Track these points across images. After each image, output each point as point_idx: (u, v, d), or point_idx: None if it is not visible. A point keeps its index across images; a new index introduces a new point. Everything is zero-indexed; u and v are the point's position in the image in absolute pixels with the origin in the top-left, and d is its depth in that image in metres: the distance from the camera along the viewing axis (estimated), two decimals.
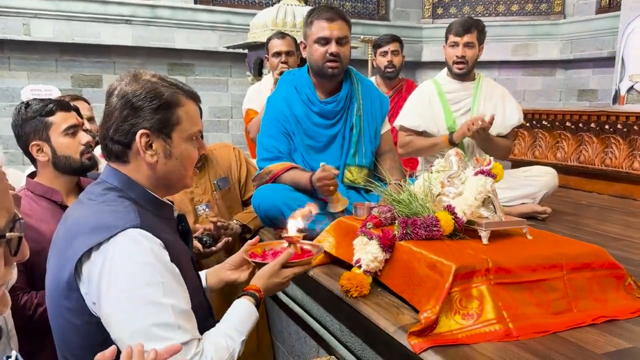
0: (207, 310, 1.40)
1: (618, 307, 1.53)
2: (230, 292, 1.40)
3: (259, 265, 1.46)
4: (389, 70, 3.70)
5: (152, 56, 6.34)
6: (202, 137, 2.31)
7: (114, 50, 6.25)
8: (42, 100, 1.93)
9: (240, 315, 1.33)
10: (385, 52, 3.71)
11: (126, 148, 1.24)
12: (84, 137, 1.93)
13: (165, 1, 6.43)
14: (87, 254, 1.13)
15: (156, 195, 1.29)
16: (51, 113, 1.88)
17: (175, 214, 1.39)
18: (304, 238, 1.58)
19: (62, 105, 1.93)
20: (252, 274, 1.52)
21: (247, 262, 1.55)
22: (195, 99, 1.32)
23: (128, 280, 1.11)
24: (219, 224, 2.26)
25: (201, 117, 2.45)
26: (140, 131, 1.21)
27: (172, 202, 1.39)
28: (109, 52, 6.26)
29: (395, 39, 3.79)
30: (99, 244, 1.13)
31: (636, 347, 1.32)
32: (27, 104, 1.89)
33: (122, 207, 1.20)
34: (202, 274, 1.58)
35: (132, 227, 1.14)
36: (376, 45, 3.79)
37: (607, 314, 1.48)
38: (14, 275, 0.89)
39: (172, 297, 1.14)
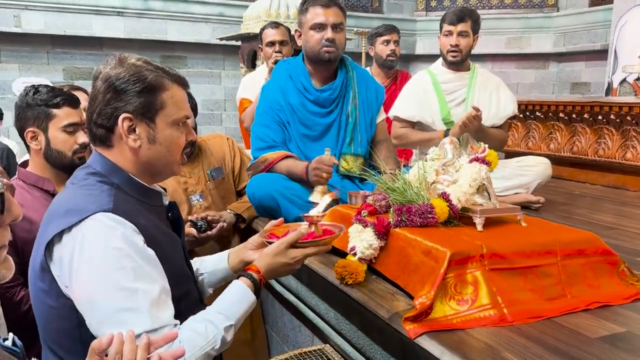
0: (196, 299, 1.36)
1: (611, 292, 1.53)
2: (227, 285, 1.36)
3: None
4: (390, 58, 3.69)
5: (145, 48, 6.31)
6: (195, 127, 2.33)
7: (106, 42, 6.22)
8: (53, 89, 1.89)
9: (230, 298, 1.24)
10: (388, 41, 3.70)
11: (109, 132, 1.22)
12: (81, 137, 1.89)
13: None
14: (59, 236, 1.12)
15: (141, 181, 1.27)
16: (57, 106, 1.86)
17: (166, 201, 1.36)
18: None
19: (71, 100, 1.90)
20: None
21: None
22: (182, 83, 1.29)
23: (98, 264, 1.09)
24: (209, 218, 2.26)
25: (196, 110, 2.47)
26: (123, 115, 1.20)
27: (164, 189, 1.38)
28: (101, 45, 6.23)
29: (396, 29, 3.79)
30: (70, 227, 1.11)
31: (629, 331, 1.33)
32: (37, 90, 1.86)
33: (99, 191, 1.19)
34: (224, 254, 1.52)
35: (103, 211, 1.13)
36: (377, 34, 3.77)
37: (600, 299, 1.49)
38: (8, 236, 0.88)
39: (143, 282, 1.11)
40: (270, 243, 1.35)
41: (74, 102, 1.91)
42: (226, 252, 1.53)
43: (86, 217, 1.12)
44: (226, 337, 1.17)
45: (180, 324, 1.16)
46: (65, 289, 1.13)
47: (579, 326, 1.35)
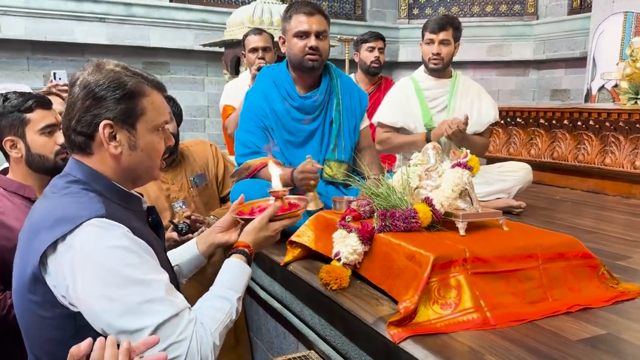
0: None
1: (592, 295, 1.56)
2: (208, 284, 1.37)
3: (248, 222, 1.47)
4: (374, 65, 3.73)
5: (127, 55, 6.26)
6: (177, 134, 2.32)
7: (87, 48, 6.16)
8: (22, 94, 1.87)
9: (233, 274, 1.34)
10: (372, 48, 3.74)
11: (89, 139, 1.21)
12: (60, 138, 1.87)
13: None
14: (53, 246, 1.11)
15: (122, 187, 1.27)
16: (30, 109, 1.83)
17: (145, 206, 1.37)
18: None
19: (43, 102, 1.88)
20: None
21: (235, 223, 1.55)
22: (161, 88, 1.29)
23: (104, 266, 1.09)
24: (193, 217, 2.23)
25: (181, 117, 2.46)
26: (104, 122, 1.19)
27: (141, 194, 1.37)
28: (83, 51, 6.17)
29: (381, 37, 3.83)
30: (64, 236, 1.10)
31: (610, 333, 1.35)
32: (6, 97, 1.84)
33: (87, 198, 1.18)
34: (192, 242, 1.57)
35: (97, 216, 1.12)
36: (362, 41, 3.81)
37: (581, 302, 1.51)
38: None
39: (153, 273, 1.14)
40: (244, 219, 1.50)
41: (46, 104, 1.89)
42: (193, 240, 1.58)
43: (80, 224, 1.10)
44: (239, 308, 1.30)
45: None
46: (63, 299, 1.12)
47: (560, 329, 1.37)
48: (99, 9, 6.11)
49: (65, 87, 2.68)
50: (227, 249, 1.49)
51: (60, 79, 2.80)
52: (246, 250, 1.41)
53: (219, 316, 1.23)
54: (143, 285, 1.11)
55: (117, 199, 1.25)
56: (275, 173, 1.54)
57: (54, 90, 2.65)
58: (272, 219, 1.46)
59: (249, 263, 1.39)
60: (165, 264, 1.34)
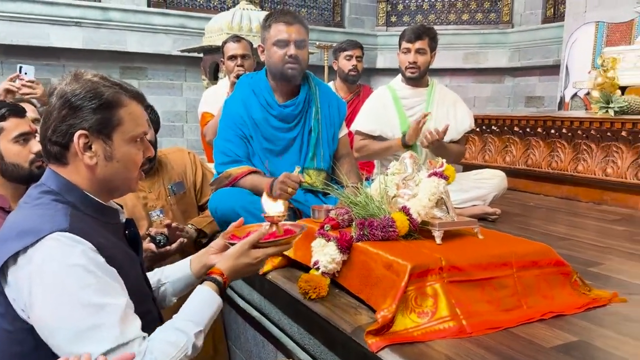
0: (155, 318, 1.35)
1: (565, 302, 1.59)
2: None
3: None
4: (352, 74, 3.76)
5: (104, 59, 6.20)
6: (155, 142, 2.30)
7: (63, 53, 6.08)
8: None
9: (197, 304, 1.26)
10: (350, 56, 3.76)
11: (64, 149, 1.20)
12: (35, 146, 1.84)
13: (116, 3, 6.30)
14: (13, 258, 1.09)
15: (97, 199, 1.25)
16: (3, 118, 1.81)
17: (123, 218, 1.34)
18: None
19: (16, 110, 1.85)
20: None
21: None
22: (139, 99, 1.28)
23: (60, 284, 1.07)
24: (173, 225, 2.22)
25: (158, 125, 2.44)
26: (79, 132, 1.18)
27: (121, 206, 1.36)
28: (58, 55, 6.08)
29: (359, 45, 3.86)
30: (26, 249, 1.09)
31: (582, 340, 1.38)
32: None
33: (53, 211, 1.16)
34: (186, 261, 1.52)
35: (60, 230, 1.10)
36: (340, 49, 3.84)
37: (555, 309, 1.54)
38: None
39: (109, 297, 1.10)
40: (232, 244, 1.38)
41: (19, 112, 1.86)
42: (188, 259, 1.53)
43: (42, 238, 1.09)
44: (197, 343, 1.19)
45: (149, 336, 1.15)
46: (22, 312, 1.10)
47: (534, 336, 1.39)
48: (74, 13, 6.03)
49: (30, 84, 2.55)
50: None
51: (26, 73, 2.59)
52: (219, 278, 1.31)
53: (171, 351, 1.14)
54: (95, 309, 1.07)
55: (91, 210, 1.23)
56: (267, 199, 1.44)
57: (11, 85, 2.51)
58: (257, 245, 1.36)
59: (221, 292, 1.29)
60: (139, 280, 1.32)
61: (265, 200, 1.43)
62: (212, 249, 1.51)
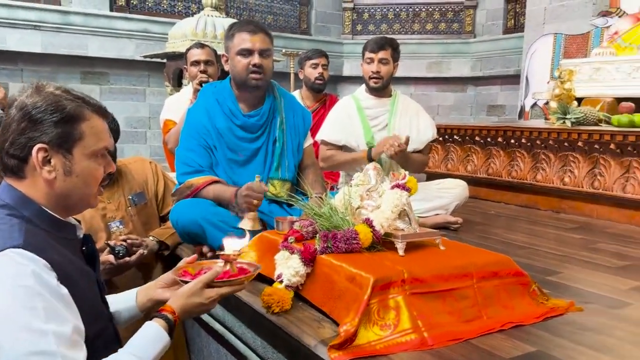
0: (112, 338, 1.31)
1: (524, 312, 1.62)
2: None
3: None
4: (318, 82, 3.76)
5: (64, 64, 6.05)
6: (115, 152, 2.24)
7: (21, 57, 5.91)
8: None
9: (144, 340, 1.21)
10: (316, 65, 3.77)
11: (22, 163, 1.16)
12: None
13: (77, 7, 6.17)
14: None
15: (54, 214, 1.21)
16: None
17: (80, 233, 1.30)
18: None
19: None
20: None
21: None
22: (103, 113, 1.25)
23: (5, 304, 1.02)
24: (129, 241, 2.16)
25: (118, 134, 2.37)
26: (38, 145, 1.15)
27: (78, 221, 1.32)
28: (16, 59, 5.91)
29: (325, 54, 3.88)
30: None
31: (540, 350, 1.41)
32: None
33: (7, 226, 1.12)
34: (132, 292, 1.47)
35: (12, 247, 1.06)
36: (306, 58, 3.84)
37: (514, 319, 1.57)
38: None
39: (54, 323, 1.05)
40: (183, 282, 1.34)
41: None
42: (134, 290, 1.48)
43: None
44: None
45: None
46: None
47: (494, 347, 1.42)
48: (32, 16, 5.88)
49: None
50: None
51: None
52: (170, 316, 1.26)
53: None
54: (37, 334, 1.02)
55: (47, 225, 1.19)
56: (229, 239, 1.40)
57: None
58: (210, 285, 1.31)
59: (170, 331, 1.25)
60: (95, 298, 1.27)
61: (227, 240, 1.39)
62: (161, 282, 1.46)
